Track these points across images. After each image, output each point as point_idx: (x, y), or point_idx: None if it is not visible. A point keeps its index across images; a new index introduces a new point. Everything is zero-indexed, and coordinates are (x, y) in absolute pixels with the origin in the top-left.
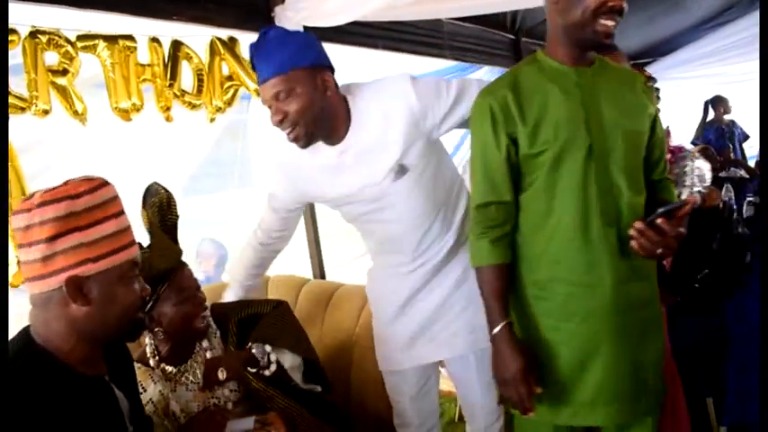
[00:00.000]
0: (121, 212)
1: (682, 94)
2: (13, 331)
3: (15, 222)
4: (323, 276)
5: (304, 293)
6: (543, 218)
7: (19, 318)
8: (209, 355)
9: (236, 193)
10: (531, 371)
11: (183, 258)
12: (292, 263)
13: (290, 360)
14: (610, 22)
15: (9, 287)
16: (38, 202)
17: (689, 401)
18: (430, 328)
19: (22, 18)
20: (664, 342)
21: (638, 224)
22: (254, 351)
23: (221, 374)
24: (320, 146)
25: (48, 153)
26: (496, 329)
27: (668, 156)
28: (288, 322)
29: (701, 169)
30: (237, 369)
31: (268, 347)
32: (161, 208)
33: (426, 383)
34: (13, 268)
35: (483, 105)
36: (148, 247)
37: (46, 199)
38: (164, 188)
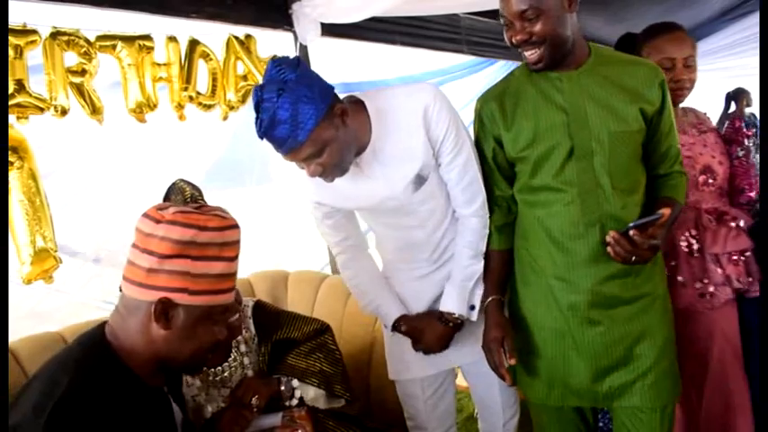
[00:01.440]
0: (235, 258)
1: (699, 87)
2: (24, 329)
3: (140, 224)
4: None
5: (323, 289)
6: (530, 215)
7: (32, 312)
8: (246, 360)
9: (255, 190)
10: (504, 343)
11: None
12: (310, 259)
13: (313, 392)
14: (527, 53)
15: (21, 284)
16: (168, 219)
17: None
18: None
19: (42, 18)
20: (666, 336)
21: (613, 233)
22: (282, 388)
23: (255, 401)
24: None
25: (63, 151)
26: (486, 303)
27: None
28: (324, 355)
29: None
30: (266, 399)
31: (295, 382)
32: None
33: (442, 384)
34: (26, 267)
35: (476, 112)
36: None
37: (177, 219)
38: (189, 185)
